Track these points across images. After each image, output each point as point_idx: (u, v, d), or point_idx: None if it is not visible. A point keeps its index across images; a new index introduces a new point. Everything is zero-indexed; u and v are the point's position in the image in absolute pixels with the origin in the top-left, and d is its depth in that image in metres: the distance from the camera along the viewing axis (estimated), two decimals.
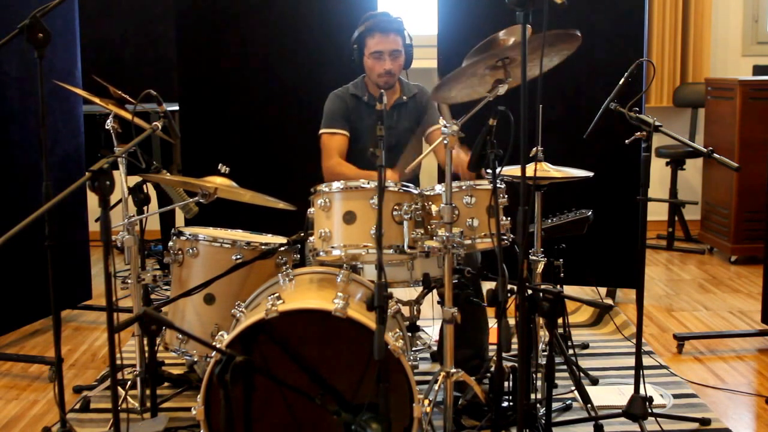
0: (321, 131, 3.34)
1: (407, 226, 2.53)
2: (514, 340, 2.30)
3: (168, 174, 3.09)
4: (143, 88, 2.78)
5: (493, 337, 3.13)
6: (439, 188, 2.63)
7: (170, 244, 2.92)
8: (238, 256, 2.80)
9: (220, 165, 2.78)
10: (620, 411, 2.77)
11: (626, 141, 2.68)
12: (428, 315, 3.85)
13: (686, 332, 3.86)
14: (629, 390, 2.77)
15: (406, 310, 2.85)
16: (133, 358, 3.01)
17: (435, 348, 3.51)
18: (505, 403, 2.78)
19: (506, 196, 2.72)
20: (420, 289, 2.88)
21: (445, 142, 2.44)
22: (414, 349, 3.21)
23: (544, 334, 3.11)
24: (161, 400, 2.98)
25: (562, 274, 3.03)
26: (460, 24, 4.08)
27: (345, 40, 3.38)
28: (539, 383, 2.78)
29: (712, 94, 5.33)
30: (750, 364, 3.52)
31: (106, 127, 2.94)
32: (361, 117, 3.34)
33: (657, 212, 5.64)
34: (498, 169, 2.39)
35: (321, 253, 2.57)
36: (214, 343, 2.25)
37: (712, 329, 3.96)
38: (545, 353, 2.82)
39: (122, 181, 2.88)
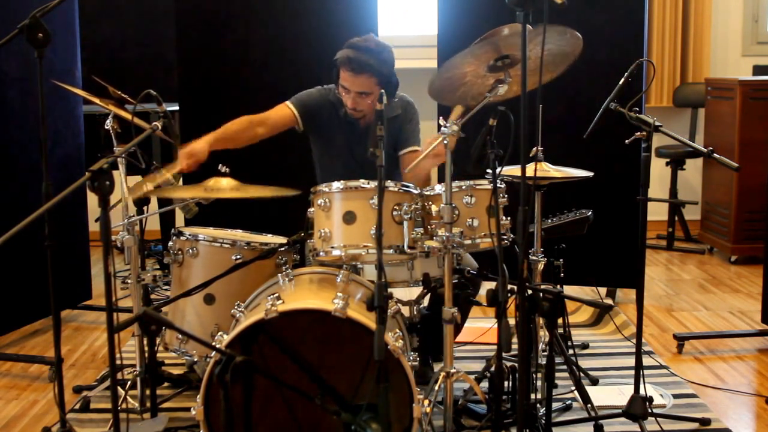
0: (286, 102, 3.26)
1: (407, 226, 2.53)
2: (514, 340, 2.29)
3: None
4: (143, 88, 2.77)
5: (493, 337, 3.14)
6: (439, 188, 2.63)
7: (170, 244, 2.92)
8: (238, 256, 2.80)
9: (220, 165, 2.78)
10: (620, 411, 2.77)
11: (626, 141, 2.68)
12: None
13: (686, 332, 3.86)
14: (629, 390, 2.76)
15: (406, 310, 2.85)
16: (133, 358, 3.01)
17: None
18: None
19: (506, 196, 2.72)
20: (420, 289, 2.88)
21: (445, 142, 2.44)
22: (414, 348, 3.20)
23: (544, 334, 3.11)
24: (161, 400, 2.98)
25: (562, 274, 3.03)
26: (460, 24, 4.07)
27: (345, 40, 3.37)
28: (539, 383, 2.77)
29: (712, 94, 5.33)
30: (750, 364, 3.52)
31: (105, 127, 2.94)
32: (332, 126, 3.26)
33: (657, 212, 5.63)
34: (498, 169, 2.39)
35: (321, 253, 2.57)
36: (213, 343, 2.25)
37: (712, 329, 3.96)
38: (545, 353, 2.82)
39: (122, 181, 2.88)
